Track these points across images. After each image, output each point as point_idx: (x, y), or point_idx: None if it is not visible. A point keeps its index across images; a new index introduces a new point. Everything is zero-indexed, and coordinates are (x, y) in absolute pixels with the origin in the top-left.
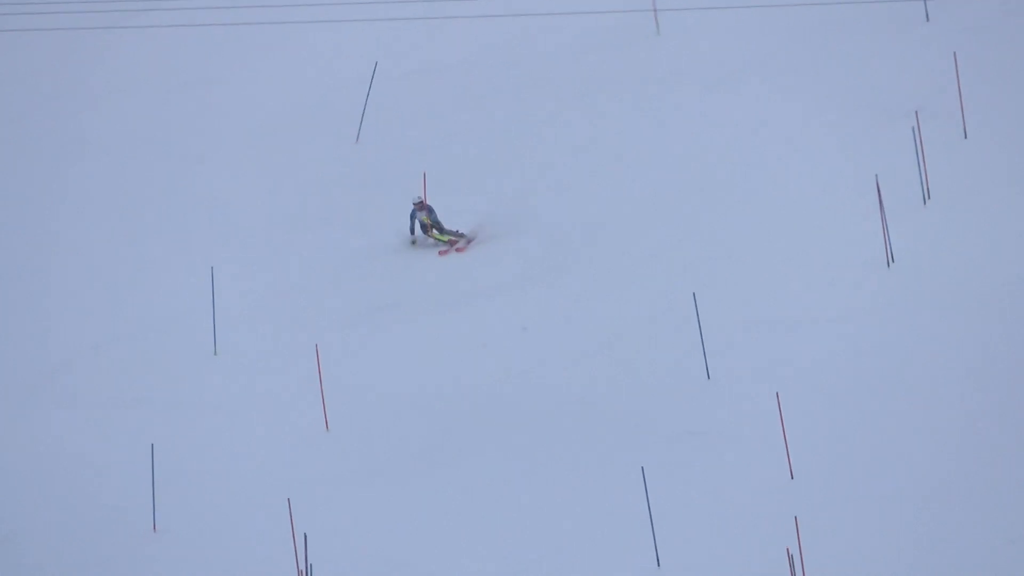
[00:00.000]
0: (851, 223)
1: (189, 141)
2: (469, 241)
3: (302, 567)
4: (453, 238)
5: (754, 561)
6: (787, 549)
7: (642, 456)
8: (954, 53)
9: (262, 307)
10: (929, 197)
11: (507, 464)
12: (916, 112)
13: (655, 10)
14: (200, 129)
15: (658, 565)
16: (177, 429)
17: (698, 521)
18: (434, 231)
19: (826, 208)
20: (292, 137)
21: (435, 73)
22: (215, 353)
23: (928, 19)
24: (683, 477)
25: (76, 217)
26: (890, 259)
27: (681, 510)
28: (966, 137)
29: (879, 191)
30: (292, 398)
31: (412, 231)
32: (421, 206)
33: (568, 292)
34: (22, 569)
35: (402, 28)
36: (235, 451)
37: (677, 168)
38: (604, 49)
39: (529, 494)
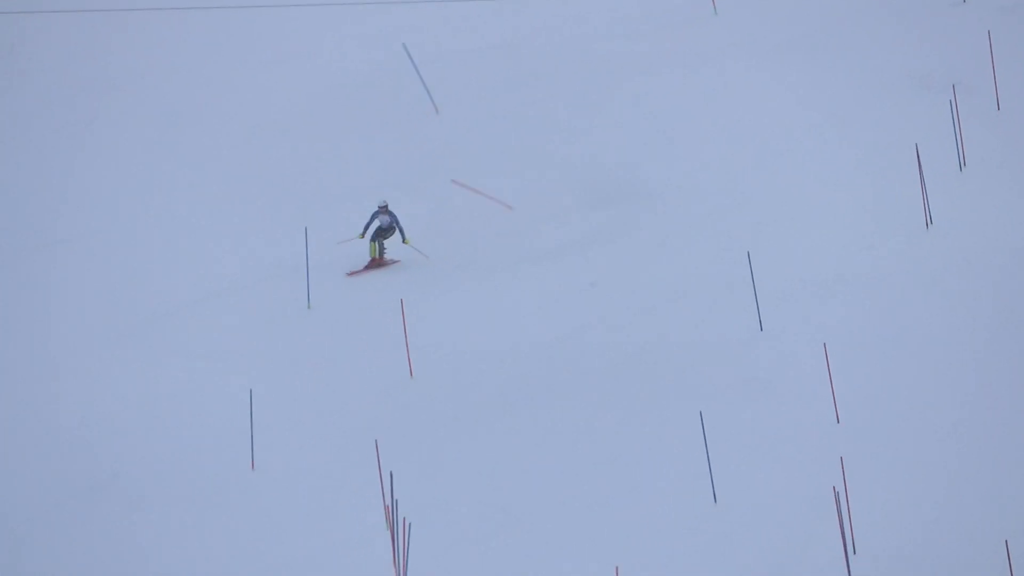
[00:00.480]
0: (892, 188)
1: (279, 113)
2: (380, 265)
3: (388, 503)
4: (377, 257)
5: (803, 498)
6: (833, 488)
7: (700, 402)
8: (988, 32)
9: (352, 267)
10: (965, 164)
11: (576, 410)
12: (953, 86)
13: None
14: (286, 102)
15: (715, 501)
16: (274, 377)
17: (751, 462)
18: (376, 241)
19: (869, 174)
20: (371, 112)
21: (504, 49)
22: (308, 307)
23: (964, 0)
24: (738, 421)
25: (181, 185)
26: (929, 221)
27: (736, 452)
28: (999, 109)
29: (919, 158)
30: (379, 350)
31: (364, 230)
32: (384, 210)
33: (631, 253)
34: (131, 503)
35: (469, 8)
36: (327, 397)
37: (730, 139)
38: (664, 29)
39: (596, 438)
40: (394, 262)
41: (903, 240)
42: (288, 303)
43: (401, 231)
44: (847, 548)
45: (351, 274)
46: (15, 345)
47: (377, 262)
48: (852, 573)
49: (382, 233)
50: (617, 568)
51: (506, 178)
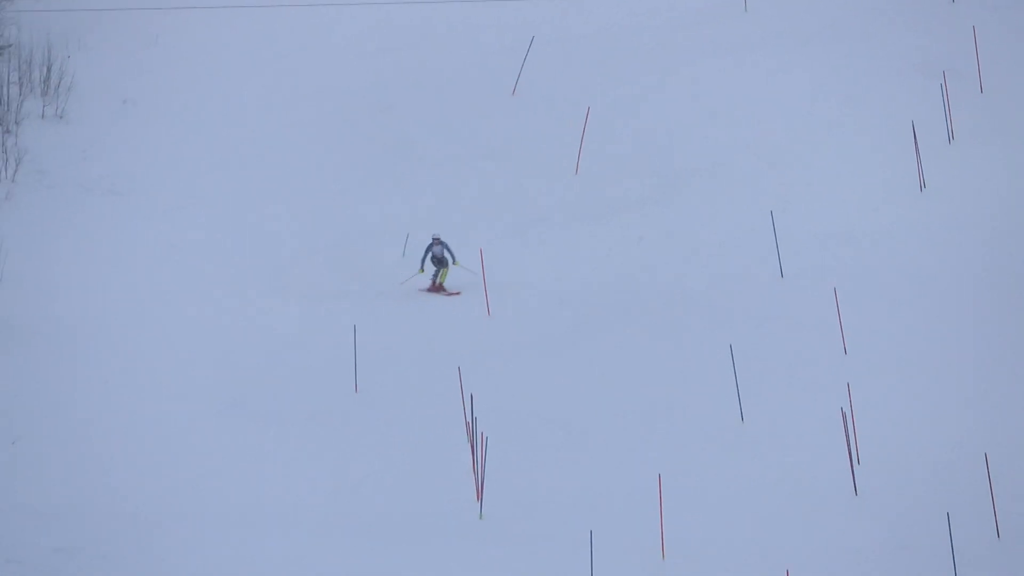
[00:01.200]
0: (892, 157)
1: (382, 92)
2: (449, 294)
3: (469, 420)
4: (441, 283)
5: (815, 418)
6: (841, 409)
7: (730, 336)
8: (973, 26)
9: (438, 223)
10: (953, 138)
11: (626, 342)
12: (943, 72)
13: None
14: (390, 82)
15: (742, 420)
16: (374, 317)
17: (772, 386)
18: (439, 275)
19: (873, 147)
20: (460, 94)
21: (565, 43)
22: (403, 255)
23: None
24: (761, 353)
25: (298, 151)
26: (923, 186)
27: (759, 377)
28: (982, 92)
29: (914, 133)
30: (461, 290)
31: (422, 264)
32: (438, 241)
33: (674, 213)
34: (256, 420)
35: (530, 6)
36: (418, 332)
37: (759, 119)
38: (702, 23)
39: (642, 366)
40: (455, 294)
41: (902, 202)
42: (386, 256)
43: (451, 255)
44: (852, 460)
45: (422, 290)
46: (170, 279)
47: (438, 287)
48: (856, 480)
49: (438, 262)
50: (660, 475)
51: (571, 148)
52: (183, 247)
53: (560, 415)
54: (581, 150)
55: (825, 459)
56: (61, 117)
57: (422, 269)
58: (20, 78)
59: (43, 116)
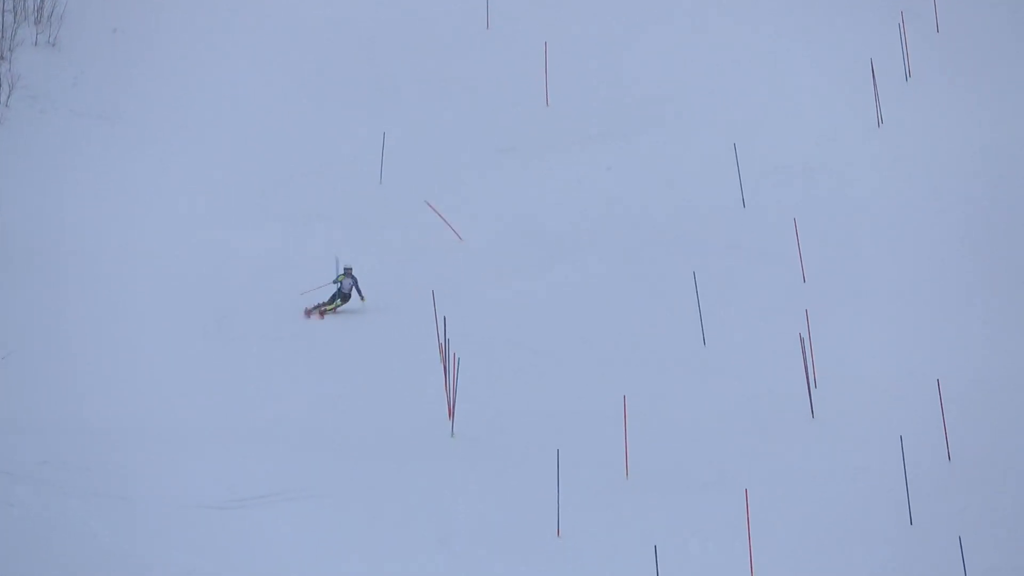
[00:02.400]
0: (850, 94)
1: (361, 28)
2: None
3: (441, 342)
4: (326, 309)
5: (775, 343)
6: (799, 335)
7: (694, 264)
8: None
9: (414, 150)
10: (910, 75)
11: (594, 267)
12: (901, 12)
13: None
14: (369, 18)
15: (704, 344)
16: (351, 239)
17: (734, 312)
18: (336, 303)
19: (833, 83)
20: (435, 28)
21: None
22: (380, 182)
23: None
24: (724, 280)
25: (281, 83)
26: (880, 121)
27: (721, 305)
28: (938, 32)
29: (872, 70)
30: (435, 217)
31: (337, 280)
32: (348, 274)
33: (642, 143)
34: (231, 337)
35: None
36: (392, 256)
37: (719, 54)
38: None
39: (609, 290)
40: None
41: (860, 136)
42: (362, 179)
43: (360, 293)
44: (810, 384)
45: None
46: (159, 203)
47: (319, 312)
48: (813, 404)
49: (342, 297)
50: (624, 397)
51: (543, 81)
52: (171, 173)
53: (529, 339)
54: (548, 83)
55: (784, 383)
56: (53, 45)
57: (338, 280)
58: (15, 6)
59: (36, 43)
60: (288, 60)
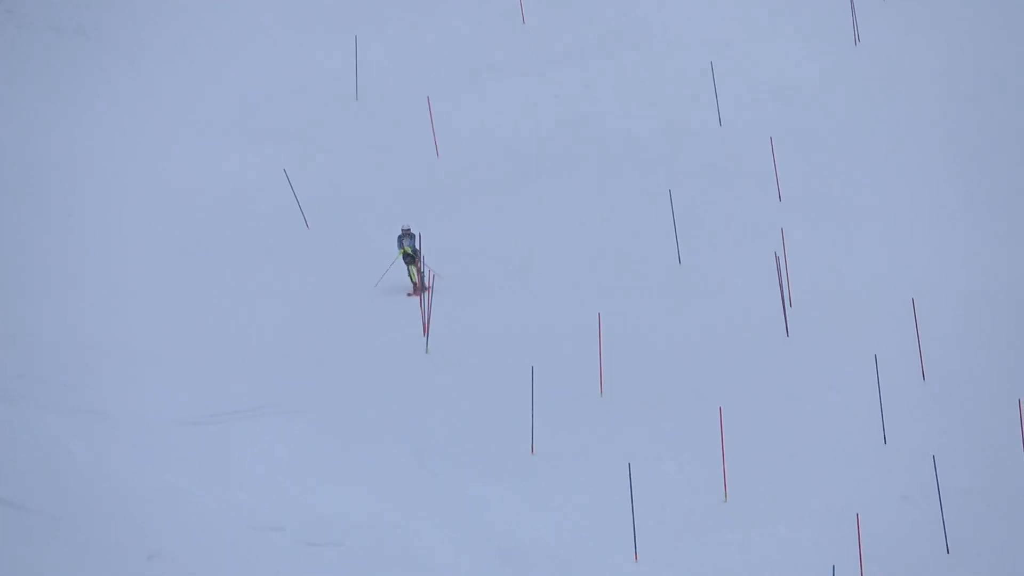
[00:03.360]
0: (827, 12)
1: None
2: (424, 290)
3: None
4: (417, 282)
5: (750, 262)
6: (775, 253)
7: (670, 182)
8: None
9: (392, 68)
10: None
11: (570, 184)
12: None
13: None
14: None
15: (679, 263)
16: (321, 158)
17: (710, 231)
18: (412, 266)
19: (808, 2)
20: None
21: None
22: (356, 99)
23: None
24: (700, 199)
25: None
26: (857, 39)
27: (697, 224)
28: None
29: None
30: (411, 134)
31: (401, 244)
32: (407, 233)
33: (618, 61)
34: (209, 253)
35: None
36: (364, 171)
37: None
38: None
39: (588, 209)
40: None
41: (837, 55)
42: (337, 97)
43: (413, 256)
44: (785, 303)
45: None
46: (138, 121)
47: (419, 290)
48: (788, 323)
49: (407, 258)
50: (599, 314)
51: (516, 1)
52: (151, 90)
53: (505, 254)
54: (523, 1)
55: (759, 302)
56: None
57: (402, 250)
58: None
59: None
60: None
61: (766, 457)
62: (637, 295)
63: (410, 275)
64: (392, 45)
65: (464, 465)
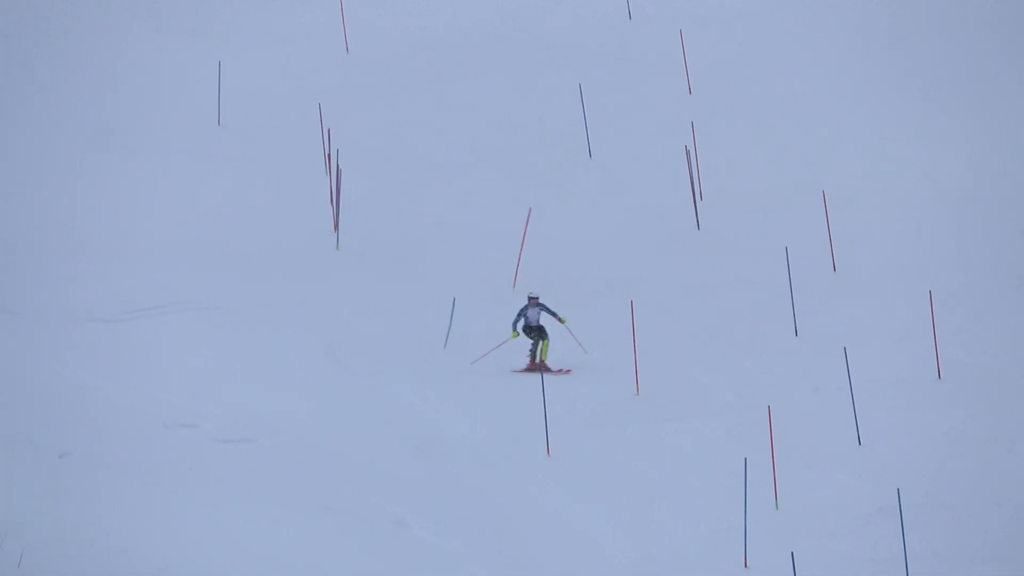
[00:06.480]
0: None
1: None
2: (556, 372)
3: (327, 153)
4: (544, 361)
5: (661, 155)
6: (685, 147)
7: (582, 74)
8: None
9: None
10: None
11: (491, 77)
12: None
13: None
14: None
15: (590, 156)
16: (240, 53)
17: (621, 125)
18: (540, 349)
19: None
20: None
21: None
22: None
23: None
24: (611, 92)
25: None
26: None
27: (608, 116)
28: None
29: None
30: (320, 28)
31: (515, 328)
32: (534, 303)
33: None
34: (115, 150)
35: None
36: (279, 68)
37: None
38: None
39: (503, 105)
40: (564, 372)
41: None
42: None
43: (554, 315)
44: (695, 196)
45: (517, 371)
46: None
47: (537, 365)
48: (699, 216)
49: (534, 332)
50: (530, 209)
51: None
52: None
53: (419, 151)
54: None
55: (670, 195)
56: None
57: (515, 333)
58: None
59: None
60: None
61: (677, 347)
62: (549, 189)
63: (533, 353)
64: None
65: (377, 361)
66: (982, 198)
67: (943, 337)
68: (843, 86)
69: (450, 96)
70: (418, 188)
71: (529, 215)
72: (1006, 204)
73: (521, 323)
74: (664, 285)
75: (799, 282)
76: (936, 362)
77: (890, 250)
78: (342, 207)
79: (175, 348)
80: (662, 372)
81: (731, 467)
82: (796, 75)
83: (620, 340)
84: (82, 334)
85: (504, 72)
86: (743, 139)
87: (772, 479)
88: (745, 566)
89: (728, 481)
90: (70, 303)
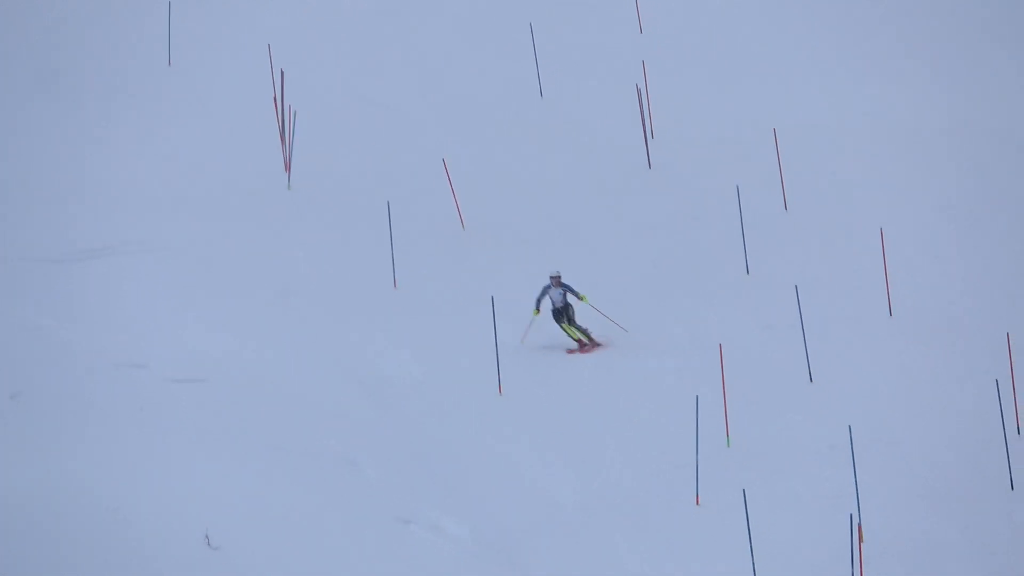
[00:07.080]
0: None
1: None
2: (596, 346)
3: (277, 95)
4: (582, 338)
5: (611, 93)
6: (636, 85)
7: (531, 14)
8: None
9: None
10: None
11: (439, 18)
12: None
13: None
14: None
15: (541, 96)
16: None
17: (570, 65)
18: (565, 324)
19: None
20: None
21: None
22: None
23: None
24: (560, 32)
25: None
26: None
27: (557, 57)
28: None
29: None
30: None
31: (538, 306)
32: (557, 282)
33: None
34: (64, 97)
35: None
36: (230, 10)
37: None
38: None
39: (449, 51)
40: (597, 345)
41: None
42: None
43: (576, 294)
44: (646, 134)
45: (571, 352)
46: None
47: (584, 345)
48: (650, 154)
49: (557, 314)
50: (444, 159)
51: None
52: None
53: (369, 92)
54: None
55: (621, 134)
56: None
57: (537, 310)
58: None
59: None
60: None
61: (629, 289)
62: (497, 130)
63: (568, 333)
64: None
65: (327, 303)
66: (932, 137)
67: (894, 275)
68: (794, 23)
69: (400, 36)
70: (368, 130)
71: (445, 165)
72: (956, 142)
73: (547, 303)
74: (615, 224)
75: (750, 221)
76: (887, 300)
77: (841, 189)
78: (295, 149)
79: (126, 289)
80: (613, 311)
81: (683, 405)
82: (747, 13)
83: (569, 278)
84: (33, 275)
85: (454, 11)
86: (694, 78)
87: (724, 417)
88: (697, 504)
89: (680, 419)
90: (21, 244)
